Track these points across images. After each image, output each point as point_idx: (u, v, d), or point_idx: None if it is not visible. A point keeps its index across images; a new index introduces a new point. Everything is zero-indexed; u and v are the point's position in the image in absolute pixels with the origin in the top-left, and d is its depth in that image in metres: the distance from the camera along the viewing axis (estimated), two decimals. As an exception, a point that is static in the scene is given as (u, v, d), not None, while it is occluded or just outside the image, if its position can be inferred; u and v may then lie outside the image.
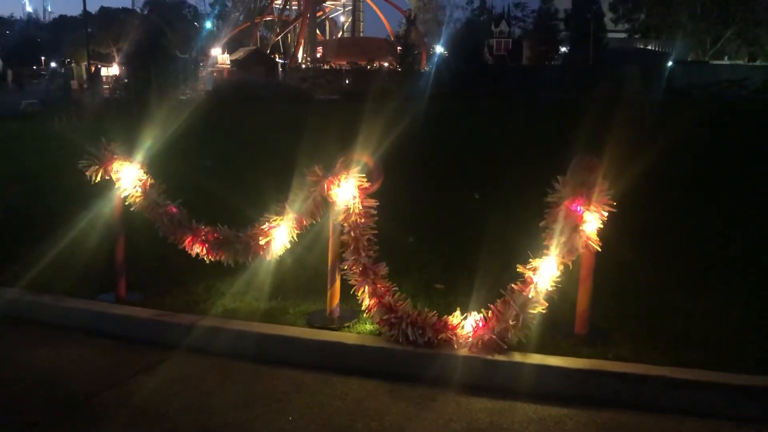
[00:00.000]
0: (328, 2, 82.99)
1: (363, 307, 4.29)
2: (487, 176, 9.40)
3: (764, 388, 3.62)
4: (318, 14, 78.33)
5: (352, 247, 4.25)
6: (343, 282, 4.43)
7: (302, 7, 73.19)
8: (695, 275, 5.25)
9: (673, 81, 33.77)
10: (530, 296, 3.93)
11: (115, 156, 4.77)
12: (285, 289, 4.92)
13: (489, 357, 3.94)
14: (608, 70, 37.08)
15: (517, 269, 4.02)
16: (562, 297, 4.08)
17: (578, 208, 3.94)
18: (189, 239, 4.70)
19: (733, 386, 3.64)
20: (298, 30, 72.53)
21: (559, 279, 3.96)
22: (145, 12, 60.28)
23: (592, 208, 3.94)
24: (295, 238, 4.55)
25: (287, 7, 76.51)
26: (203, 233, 4.69)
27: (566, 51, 55.91)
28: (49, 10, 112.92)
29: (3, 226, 6.43)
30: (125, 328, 4.59)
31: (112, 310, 4.73)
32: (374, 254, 4.27)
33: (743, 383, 3.65)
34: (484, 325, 4.00)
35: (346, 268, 4.29)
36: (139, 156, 4.83)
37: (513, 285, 4.00)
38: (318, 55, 72.34)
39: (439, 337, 4.04)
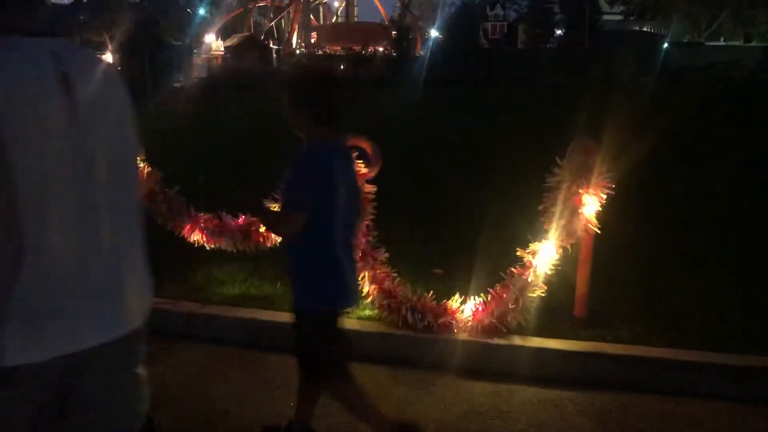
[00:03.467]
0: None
1: (363, 293, 4.30)
2: (485, 161, 9.38)
3: (764, 369, 3.65)
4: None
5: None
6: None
7: (296, -7, 72.67)
8: (694, 257, 5.26)
9: (669, 63, 33.65)
10: (529, 280, 3.94)
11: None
12: (285, 276, 4.91)
13: (488, 341, 3.96)
14: (604, 53, 36.92)
15: (517, 253, 4.02)
16: (561, 280, 4.09)
17: (577, 191, 3.94)
18: (188, 227, 4.69)
19: (732, 367, 3.67)
20: (291, 15, 72.09)
21: (558, 262, 3.97)
22: (138, -1, 59.83)
23: (590, 191, 3.94)
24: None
25: (280, -8, 76.00)
26: (202, 221, 4.68)
27: (561, 34, 55.70)
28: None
29: None
30: (125, 317, 4.58)
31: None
32: (373, 239, 4.27)
33: (743, 364, 3.67)
34: (483, 309, 4.02)
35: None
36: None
37: (512, 269, 4.01)
38: (312, 41, 71.93)
39: (438, 322, 4.05)
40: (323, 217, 2.71)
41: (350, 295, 2.94)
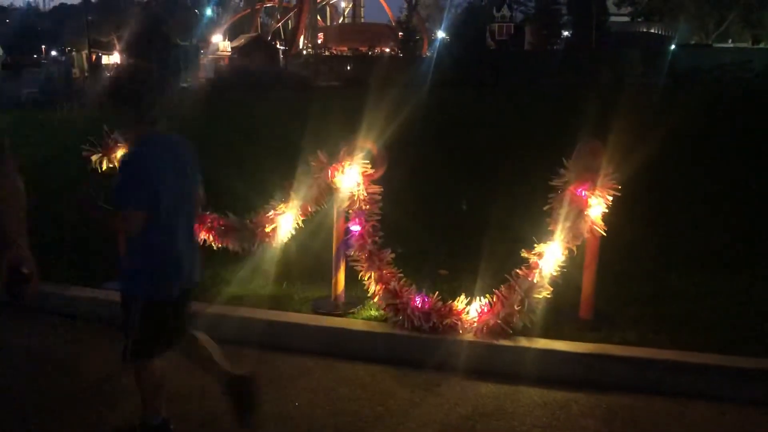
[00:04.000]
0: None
1: (368, 294, 4.31)
2: (491, 162, 9.37)
3: (769, 371, 3.63)
4: (318, 0, 77.85)
5: (357, 234, 4.26)
6: (348, 268, 4.44)
7: (303, -7, 72.68)
8: (699, 259, 5.25)
9: (676, 64, 33.55)
10: (535, 281, 3.94)
11: (118, 144, 4.76)
12: (290, 275, 4.93)
13: (494, 342, 3.95)
14: (611, 54, 36.85)
15: (522, 254, 4.02)
16: (566, 282, 4.09)
17: (583, 192, 3.94)
18: (195, 227, 4.70)
19: (738, 369, 3.65)
20: (298, 16, 72.11)
21: (563, 264, 3.97)
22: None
23: (596, 192, 3.94)
24: (301, 225, 4.56)
25: (288, -8, 76.04)
26: (209, 220, 4.69)
27: (568, 35, 55.57)
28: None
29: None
30: (131, 316, 4.59)
31: (118, 298, 4.73)
32: (379, 240, 4.28)
33: (748, 366, 3.66)
34: (489, 311, 4.01)
35: (352, 254, 4.30)
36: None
37: (518, 270, 4.00)
38: (319, 42, 72.00)
39: (444, 323, 4.05)
40: (158, 210, 2.85)
41: (182, 282, 3.05)
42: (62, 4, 76.12)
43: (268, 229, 4.52)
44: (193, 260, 3.09)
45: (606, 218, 4.02)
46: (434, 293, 4.18)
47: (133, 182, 2.82)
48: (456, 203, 7.00)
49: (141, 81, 2.94)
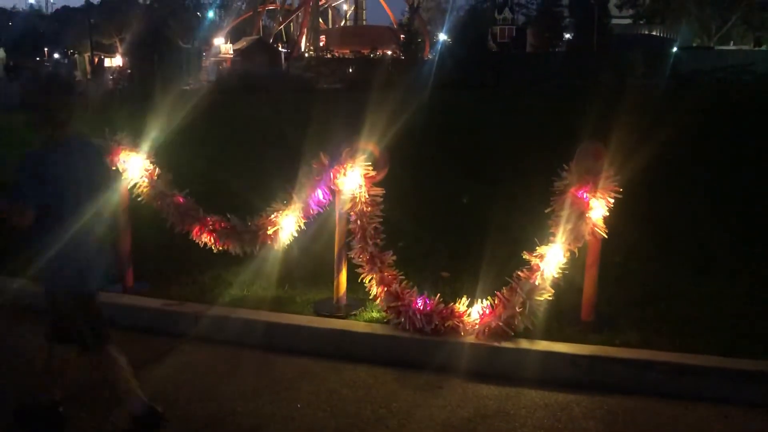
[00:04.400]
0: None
1: (370, 296, 4.31)
2: (492, 164, 9.38)
3: (771, 373, 3.63)
4: (321, 2, 77.91)
5: (359, 236, 4.26)
6: (350, 270, 4.44)
7: (305, -4, 72.82)
8: (700, 260, 5.25)
9: (678, 67, 33.53)
10: (537, 283, 3.94)
11: (120, 146, 4.77)
12: (292, 278, 4.94)
13: (496, 344, 3.95)
14: (613, 57, 36.85)
15: (524, 256, 4.02)
16: (568, 284, 4.09)
17: (584, 195, 3.94)
18: (197, 229, 4.71)
19: (740, 371, 3.65)
20: (300, 19, 72.24)
21: (565, 266, 3.97)
22: (148, 2, 60.06)
23: (598, 195, 3.94)
24: (303, 227, 4.56)
25: (290, -5, 76.17)
26: (211, 223, 4.70)
27: (570, 38, 55.63)
28: (52, 0, 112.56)
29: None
30: (133, 318, 4.61)
31: (120, 300, 4.75)
32: (381, 242, 4.28)
33: (750, 368, 3.66)
34: (490, 313, 4.02)
35: (353, 255, 4.30)
36: (146, 146, 4.83)
37: (519, 272, 4.00)
38: (321, 44, 72.08)
39: (445, 325, 4.05)
40: (60, 210, 3.00)
41: (98, 277, 3.21)
42: (65, 7, 76.23)
43: (269, 231, 4.53)
44: (91, 262, 3.18)
45: (607, 220, 4.02)
46: (436, 295, 4.19)
47: (21, 182, 2.99)
48: (457, 205, 7.01)
49: (46, 90, 3.08)
